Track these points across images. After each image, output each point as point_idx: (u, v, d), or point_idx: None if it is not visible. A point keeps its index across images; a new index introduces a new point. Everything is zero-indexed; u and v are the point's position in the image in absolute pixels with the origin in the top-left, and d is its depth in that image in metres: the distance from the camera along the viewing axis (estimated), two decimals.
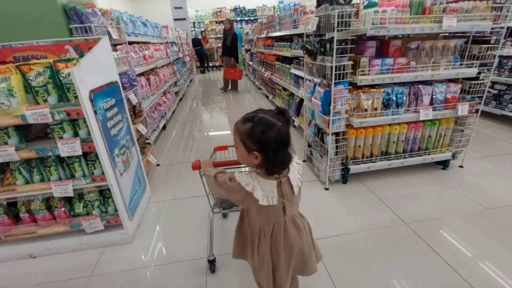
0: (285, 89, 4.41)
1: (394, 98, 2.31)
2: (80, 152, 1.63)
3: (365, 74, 2.16)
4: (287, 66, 4.10)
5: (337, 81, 2.11)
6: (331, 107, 2.18)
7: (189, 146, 3.98)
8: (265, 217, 1.08)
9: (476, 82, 2.38)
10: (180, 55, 6.76)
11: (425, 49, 2.20)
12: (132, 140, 2.21)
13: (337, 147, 2.39)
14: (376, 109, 2.31)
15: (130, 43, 3.30)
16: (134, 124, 2.54)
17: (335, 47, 1.98)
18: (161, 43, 4.87)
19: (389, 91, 2.30)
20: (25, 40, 1.81)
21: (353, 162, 2.47)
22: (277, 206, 1.05)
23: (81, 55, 1.84)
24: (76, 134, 1.66)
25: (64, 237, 1.88)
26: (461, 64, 2.31)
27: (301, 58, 3.50)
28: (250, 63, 8.17)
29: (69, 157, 1.73)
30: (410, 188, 2.45)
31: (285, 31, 3.96)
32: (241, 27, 10.42)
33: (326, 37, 2.41)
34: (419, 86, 2.31)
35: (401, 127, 2.40)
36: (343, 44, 2.00)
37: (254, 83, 7.73)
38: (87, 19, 1.95)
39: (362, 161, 2.48)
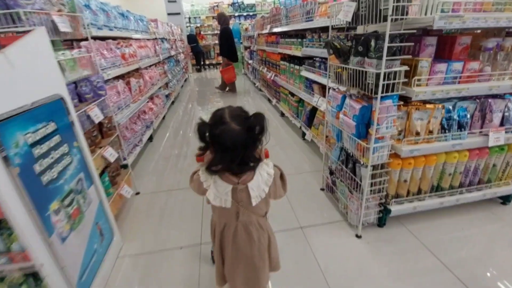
0: (292, 94, 3.76)
1: (455, 117, 1.67)
2: None
3: (422, 85, 1.52)
4: (296, 67, 3.44)
5: (384, 94, 1.46)
6: (372, 130, 1.54)
7: (183, 154, 3.35)
8: (218, 215, 1.12)
9: None
10: (173, 52, 6.07)
11: (505, 50, 1.56)
12: (89, 178, 1.55)
13: (375, 183, 1.75)
14: (431, 132, 1.66)
15: (103, 38, 2.62)
16: (99, 148, 1.88)
17: (386, 45, 1.33)
18: (148, 39, 4.18)
19: (450, 107, 1.65)
20: None
21: (395, 201, 1.83)
22: (231, 210, 1.05)
23: None
24: None
25: None
26: None
27: (316, 59, 2.84)
28: (250, 61, 7.49)
29: None
30: (471, 236, 1.82)
31: (295, 25, 3.29)
32: (240, 23, 9.72)
33: (363, 31, 1.76)
34: (490, 100, 1.67)
35: (461, 155, 1.77)
36: (397, 40, 1.35)
37: (254, 83, 7.05)
38: (14, 2, 1.28)
39: (407, 199, 1.85)
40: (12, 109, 1.03)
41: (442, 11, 1.32)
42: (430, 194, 1.88)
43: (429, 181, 1.82)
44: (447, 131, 1.68)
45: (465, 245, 1.75)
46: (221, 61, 6.72)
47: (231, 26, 8.99)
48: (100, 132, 2.01)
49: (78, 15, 1.75)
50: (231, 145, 0.93)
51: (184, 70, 8.30)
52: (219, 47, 6.12)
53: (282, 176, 1.15)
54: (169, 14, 9.14)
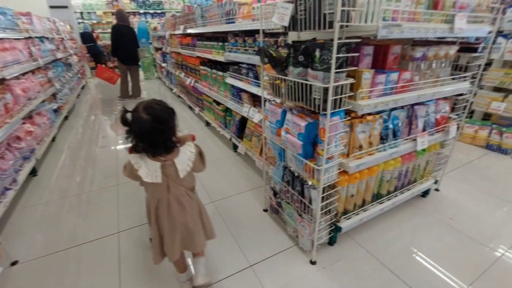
0: (218, 103, 3.42)
1: (391, 126, 1.67)
2: None
3: (365, 97, 1.42)
4: (220, 73, 3.12)
5: (333, 110, 1.29)
6: (323, 150, 1.36)
7: (88, 180, 2.58)
8: (152, 192, 1.28)
9: (462, 97, 1.99)
10: (60, 55, 4.84)
11: (429, 59, 1.62)
12: None
13: (326, 204, 1.60)
14: (371, 143, 1.62)
15: None
16: None
17: (334, 56, 1.15)
18: (17, 39, 3.10)
19: (386, 117, 1.64)
20: None
21: (344, 217, 1.74)
22: (162, 185, 1.23)
23: None
24: None
25: None
26: (453, 77, 1.86)
27: (242, 65, 2.59)
28: (163, 65, 6.74)
29: None
30: (408, 233, 1.89)
31: (213, 26, 2.95)
32: (147, 21, 8.72)
33: (296, 38, 1.58)
34: (415, 107, 1.75)
35: (396, 162, 1.80)
36: (344, 50, 1.19)
37: (172, 89, 6.38)
38: None
39: (354, 213, 1.78)
40: None
41: (384, 19, 1.23)
42: (373, 203, 1.87)
43: (371, 192, 1.80)
44: (385, 141, 1.67)
45: (400, 241, 1.80)
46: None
47: (136, 24, 7.99)
48: None
49: None
50: (139, 132, 1.16)
51: (80, 75, 6.86)
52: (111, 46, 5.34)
53: (201, 154, 1.37)
54: (51, 7, 7.39)
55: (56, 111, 3.95)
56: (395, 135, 1.71)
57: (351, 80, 1.29)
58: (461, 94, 1.97)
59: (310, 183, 1.56)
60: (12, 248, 1.82)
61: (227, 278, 1.60)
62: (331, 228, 1.73)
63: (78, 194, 2.48)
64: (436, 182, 2.29)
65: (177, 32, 4.43)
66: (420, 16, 1.35)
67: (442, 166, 2.26)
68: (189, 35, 4.06)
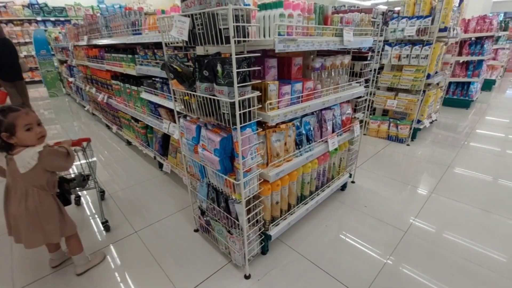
0: (136, 120, 3.14)
1: (303, 131, 1.77)
2: None
3: (274, 108, 1.46)
4: (134, 88, 2.86)
5: (242, 124, 1.28)
6: (239, 164, 1.34)
7: None
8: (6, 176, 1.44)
9: (362, 99, 2.26)
10: None
11: (327, 68, 1.78)
12: None
13: (252, 216, 1.59)
14: (288, 150, 1.69)
15: None
16: None
17: (235, 70, 1.14)
18: None
19: (298, 124, 1.73)
20: None
21: (272, 224, 1.76)
22: (9, 174, 1.41)
23: None
24: None
25: None
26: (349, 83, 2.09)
27: (156, 79, 2.42)
28: (71, 79, 5.91)
29: None
30: (333, 227, 2.04)
31: (120, 38, 2.69)
32: (46, 30, 7.53)
33: (203, 52, 1.54)
34: (323, 112, 1.90)
35: (313, 164, 1.92)
36: (245, 65, 1.19)
37: (84, 106, 5.62)
38: None
39: (281, 218, 1.82)
40: None
41: (279, 34, 1.28)
42: (298, 206, 1.95)
43: (294, 195, 1.87)
44: (300, 146, 1.76)
45: (329, 236, 1.93)
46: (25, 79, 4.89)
47: (32, 33, 6.82)
48: None
49: None
50: None
51: None
52: None
53: (54, 153, 1.44)
54: None
55: None
56: (308, 140, 1.82)
57: (257, 93, 1.30)
58: (360, 97, 2.24)
59: (233, 197, 1.52)
60: None
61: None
62: (261, 238, 1.73)
63: None
64: (350, 175, 2.55)
65: (81, 43, 3.92)
66: (313, 30, 1.47)
67: (353, 160, 2.53)
68: (96, 46, 3.64)
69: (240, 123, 1.26)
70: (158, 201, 2.46)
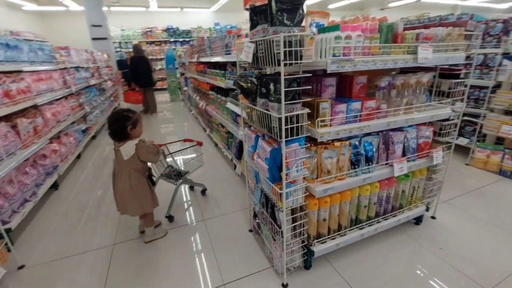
0: (223, 125, 3.63)
1: (362, 151, 1.70)
2: None
3: (326, 125, 1.50)
4: (223, 98, 3.35)
5: (289, 138, 1.39)
6: (283, 175, 1.45)
7: (108, 196, 2.84)
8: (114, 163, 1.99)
9: (448, 122, 1.96)
10: (93, 81, 5.48)
11: (397, 87, 1.67)
12: None
13: (295, 227, 1.65)
14: (341, 168, 1.66)
15: None
16: None
17: (283, 89, 1.27)
18: (53, 70, 3.64)
19: (356, 143, 1.68)
20: None
21: (317, 241, 1.76)
22: (114, 162, 1.96)
23: None
24: None
25: None
26: (429, 104, 1.85)
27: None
28: (185, 88, 7.26)
29: None
30: (391, 262, 1.83)
31: (217, 57, 3.23)
32: (174, 48, 9.51)
33: (268, 72, 1.72)
34: (390, 133, 1.76)
35: (372, 187, 1.80)
36: (294, 84, 1.30)
37: (191, 111, 6.81)
38: None
39: (329, 237, 1.79)
40: None
41: (334, 55, 1.33)
42: (351, 228, 1.86)
43: (347, 216, 1.80)
44: (356, 166, 1.70)
45: (385, 273, 1.74)
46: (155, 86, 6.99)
47: (165, 52, 8.82)
48: None
49: None
50: (108, 127, 1.89)
51: (112, 98, 7.61)
52: (130, 73, 6.94)
53: (144, 147, 1.90)
54: (93, 39, 8.43)
55: (84, 131, 4.44)
56: (369, 161, 1.73)
57: (306, 110, 1.38)
58: (447, 119, 1.95)
59: (278, 205, 1.63)
60: (23, 254, 2.09)
61: None
62: (304, 252, 1.75)
63: (99, 201, 2.79)
64: (428, 209, 2.20)
65: (193, 60, 4.83)
66: (376, 49, 1.43)
67: (435, 192, 2.18)
68: (201, 62, 4.42)
69: (287, 137, 1.38)
70: (227, 198, 2.79)
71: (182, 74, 8.13)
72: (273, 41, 1.28)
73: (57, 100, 3.60)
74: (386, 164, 1.81)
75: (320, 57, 1.40)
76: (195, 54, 4.61)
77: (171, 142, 2.82)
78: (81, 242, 2.22)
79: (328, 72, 1.32)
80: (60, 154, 3.26)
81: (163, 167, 2.65)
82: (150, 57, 10.80)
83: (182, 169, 2.76)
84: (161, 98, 9.74)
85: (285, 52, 1.23)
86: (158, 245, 2.14)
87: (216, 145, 4.32)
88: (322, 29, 1.39)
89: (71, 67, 4.31)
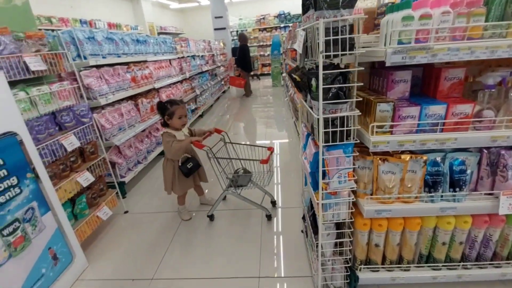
0: None
1: (446, 172, 1.26)
2: None
3: (386, 132, 1.19)
4: None
5: (331, 143, 1.19)
6: (320, 184, 1.27)
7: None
8: None
9: None
10: (206, 68, 6.32)
11: None
12: (45, 206, 1.65)
13: (336, 243, 1.44)
14: (409, 188, 1.29)
15: (113, 65, 2.85)
16: (75, 173, 2.01)
17: (320, 86, 1.08)
18: (171, 59, 4.42)
19: (438, 159, 1.26)
20: None
21: (365, 266, 1.48)
22: None
23: None
24: None
25: None
26: None
27: None
28: (284, 74, 7.33)
29: None
30: None
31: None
32: (282, 34, 9.63)
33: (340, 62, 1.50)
34: (502, 152, 1.22)
35: (459, 221, 1.33)
36: (339, 80, 1.08)
37: (286, 97, 6.85)
38: None
39: (384, 267, 1.47)
40: None
41: (401, 42, 1.01)
42: (419, 265, 1.46)
43: (413, 249, 1.42)
44: (433, 189, 1.28)
45: None
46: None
47: (272, 38, 9.12)
48: (81, 156, 2.15)
49: (60, 52, 1.91)
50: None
51: (223, 82, 8.58)
52: (236, 60, 7.72)
53: (164, 139, 2.04)
54: (215, 29, 9.62)
55: (193, 110, 5.26)
56: (455, 186, 1.27)
57: (356, 112, 1.13)
58: None
59: (318, 216, 1.46)
60: (130, 203, 2.75)
61: (231, 278, 1.77)
62: (347, 274, 1.51)
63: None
64: None
65: (289, 46, 4.77)
66: (477, 30, 0.98)
67: None
68: (294, 49, 4.29)
69: (327, 141, 1.18)
70: (292, 191, 2.72)
71: (284, 60, 8.20)
72: (315, 28, 1.08)
73: (173, 84, 4.39)
74: (488, 194, 1.28)
75: (385, 44, 1.09)
76: (290, 40, 4.52)
77: (238, 143, 2.39)
78: (171, 203, 2.69)
79: (388, 65, 1.01)
80: None
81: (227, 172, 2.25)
82: (261, 43, 11.40)
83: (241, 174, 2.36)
84: (266, 83, 10.22)
85: (327, 41, 1.03)
86: (219, 221, 2.35)
87: (299, 134, 4.22)
88: (390, 8, 1.06)
89: (187, 56, 5.11)
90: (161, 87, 3.88)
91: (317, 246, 1.49)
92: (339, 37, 1.01)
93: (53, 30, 2.57)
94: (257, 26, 11.63)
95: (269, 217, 2.27)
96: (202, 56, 6.19)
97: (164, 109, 2.04)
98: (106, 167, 2.36)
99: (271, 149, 2.12)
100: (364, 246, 1.44)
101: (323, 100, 1.12)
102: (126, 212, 2.61)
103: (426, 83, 1.27)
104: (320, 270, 1.47)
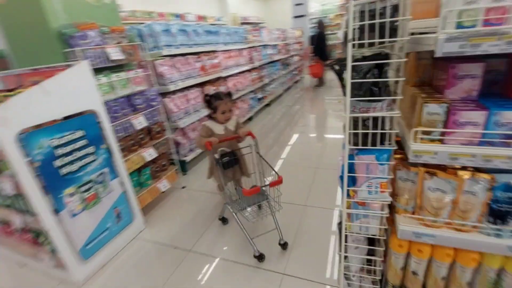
0: None
1: None
2: (11, 191, 1.53)
3: (435, 140, 0.95)
4: None
5: (361, 147, 1.04)
6: (344, 190, 1.13)
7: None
8: None
9: None
10: (277, 57, 6.30)
11: None
12: (114, 172, 2.01)
13: (366, 260, 1.27)
14: (463, 213, 1.02)
15: (184, 54, 3.15)
16: (142, 149, 2.35)
17: (348, 80, 0.94)
18: (241, 49, 4.57)
19: (511, 182, 0.95)
20: (37, 66, 1.89)
21: None
22: None
23: None
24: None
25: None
26: None
27: None
28: None
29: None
30: None
31: None
32: None
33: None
34: None
35: None
36: (374, 73, 0.92)
37: None
38: (75, 42, 1.83)
39: None
40: (39, 123, 1.52)
41: (461, 26, 0.77)
42: None
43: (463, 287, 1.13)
44: (501, 221, 0.98)
45: None
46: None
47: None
48: (149, 135, 2.49)
49: (136, 43, 2.22)
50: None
51: (297, 72, 8.42)
52: (313, 49, 7.42)
53: (200, 130, 2.11)
54: (294, 17, 9.42)
55: (260, 99, 5.37)
56: None
57: (395, 113, 0.94)
58: None
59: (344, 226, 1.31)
60: (188, 180, 3.06)
61: (254, 267, 1.78)
62: None
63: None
64: None
65: None
66: None
67: None
68: None
69: (356, 144, 1.04)
70: (333, 190, 2.52)
71: None
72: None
73: (241, 73, 4.56)
74: None
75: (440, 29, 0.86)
76: None
77: (262, 157, 2.00)
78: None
79: (439, 55, 0.80)
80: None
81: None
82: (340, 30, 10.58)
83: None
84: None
85: (361, 27, 0.88)
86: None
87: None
88: None
89: (259, 45, 5.19)
90: (228, 76, 4.09)
91: (341, 257, 1.35)
92: (376, 21, 0.85)
93: (141, 23, 2.98)
94: (340, 11, 10.79)
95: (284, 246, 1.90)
96: (274, 45, 6.18)
97: (209, 102, 2.04)
98: (169, 146, 2.68)
99: (279, 178, 1.70)
100: (398, 271, 1.23)
101: (352, 96, 0.98)
102: (183, 187, 2.92)
103: (509, 80, 0.95)
104: (343, 283, 1.34)
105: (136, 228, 2.23)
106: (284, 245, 1.89)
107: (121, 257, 2.02)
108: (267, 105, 6.01)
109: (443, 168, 1.02)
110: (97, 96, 1.86)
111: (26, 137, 1.47)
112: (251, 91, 5.00)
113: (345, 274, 1.36)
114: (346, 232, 1.25)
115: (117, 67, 2.21)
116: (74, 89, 1.71)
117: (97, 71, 1.95)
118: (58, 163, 1.62)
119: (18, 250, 1.97)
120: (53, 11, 1.82)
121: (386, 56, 0.94)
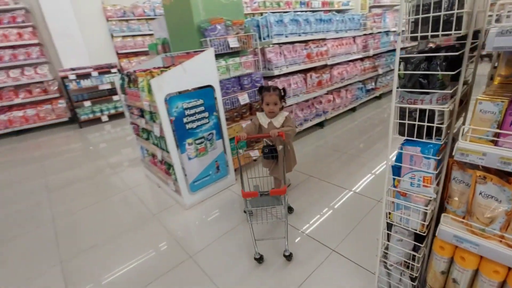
0: None
1: None
2: (158, 134, 2.35)
3: (488, 141, 0.90)
4: None
5: (408, 138, 1.08)
6: (387, 177, 1.19)
7: (354, 148, 3.66)
8: None
9: None
10: (402, 45, 5.60)
11: None
12: (219, 134, 2.63)
13: (409, 255, 1.29)
14: None
15: (293, 42, 3.46)
16: (243, 120, 2.89)
17: (396, 71, 1.01)
18: (355, 36, 4.42)
19: None
20: (184, 51, 2.70)
21: None
22: None
23: None
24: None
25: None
26: None
27: None
28: None
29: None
30: None
31: None
32: None
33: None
34: None
35: None
36: (423, 65, 0.95)
37: None
38: (207, 34, 2.46)
39: None
40: (178, 91, 2.23)
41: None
42: None
43: None
44: None
45: None
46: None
47: None
48: (250, 110, 3.01)
49: (250, 34, 2.69)
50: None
51: None
52: None
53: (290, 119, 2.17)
54: None
55: (368, 90, 5.07)
56: None
57: (446, 107, 0.95)
58: None
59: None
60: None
61: (265, 240, 2.00)
62: None
63: (343, 151, 3.63)
64: None
65: None
66: None
67: None
68: None
69: (402, 134, 1.09)
70: None
71: None
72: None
73: (350, 61, 4.45)
74: None
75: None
76: None
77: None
78: (307, 167, 3.17)
79: (489, 50, 0.78)
80: (334, 104, 4.27)
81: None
82: None
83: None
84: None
85: (415, 20, 0.93)
86: (307, 190, 2.54)
87: None
88: None
89: (377, 32, 4.82)
90: (334, 64, 4.12)
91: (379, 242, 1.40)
92: (430, 14, 0.89)
93: (261, 14, 3.47)
94: None
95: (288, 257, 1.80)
96: (402, 31, 5.50)
97: (260, 93, 2.14)
98: None
99: (283, 188, 1.84)
100: (438, 274, 1.19)
101: (401, 87, 1.03)
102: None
103: None
104: (378, 268, 1.40)
105: (228, 181, 2.85)
106: (288, 257, 1.77)
107: (215, 198, 2.68)
108: (377, 97, 5.57)
109: (501, 175, 0.93)
110: (216, 75, 2.47)
111: (170, 100, 2.20)
112: (359, 81, 4.80)
113: (384, 262, 1.41)
114: (387, 219, 1.30)
115: (234, 53, 2.78)
116: (202, 69, 2.36)
117: (218, 56, 2.55)
118: (185, 120, 2.33)
119: (158, 175, 2.96)
120: (197, 10, 2.50)
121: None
